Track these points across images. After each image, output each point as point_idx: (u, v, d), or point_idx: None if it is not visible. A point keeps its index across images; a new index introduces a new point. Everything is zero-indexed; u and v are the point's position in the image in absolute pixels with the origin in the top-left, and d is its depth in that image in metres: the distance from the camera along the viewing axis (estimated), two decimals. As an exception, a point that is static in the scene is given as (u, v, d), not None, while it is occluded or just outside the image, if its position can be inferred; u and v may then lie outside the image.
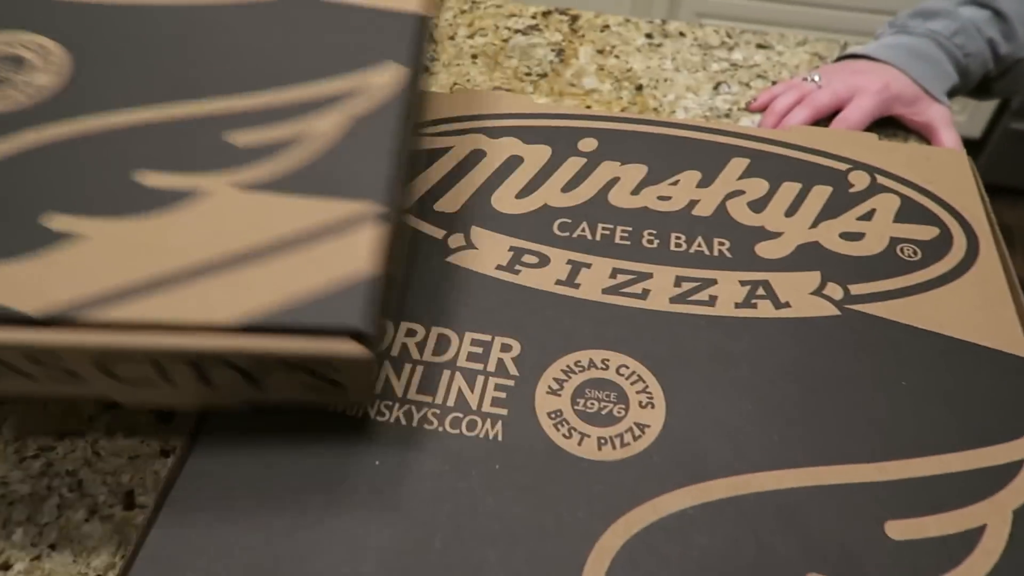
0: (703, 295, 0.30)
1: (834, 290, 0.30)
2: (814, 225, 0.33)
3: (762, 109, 0.50)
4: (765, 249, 0.32)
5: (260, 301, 0.20)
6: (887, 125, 0.51)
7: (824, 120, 0.49)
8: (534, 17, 0.58)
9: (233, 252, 0.21)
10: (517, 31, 0.57)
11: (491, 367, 0.28)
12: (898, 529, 0.24)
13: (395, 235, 0.24)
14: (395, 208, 0.24)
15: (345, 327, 0.20)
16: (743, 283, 0.31)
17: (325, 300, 0.21)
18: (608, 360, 0.28)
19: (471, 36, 0.56)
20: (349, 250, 0.22)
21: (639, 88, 0.52)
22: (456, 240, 0.32)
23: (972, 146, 1.49)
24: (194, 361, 0.21)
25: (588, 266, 0.31)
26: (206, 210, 0.22)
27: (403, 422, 0.26)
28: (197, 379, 0.22)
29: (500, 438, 0.26)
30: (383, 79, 0.26)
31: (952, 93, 0.52)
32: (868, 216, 0.34)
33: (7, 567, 0.29)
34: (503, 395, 0.27)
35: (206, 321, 0.20)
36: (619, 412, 0.26)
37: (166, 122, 0.24)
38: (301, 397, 0.23)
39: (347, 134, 0.25)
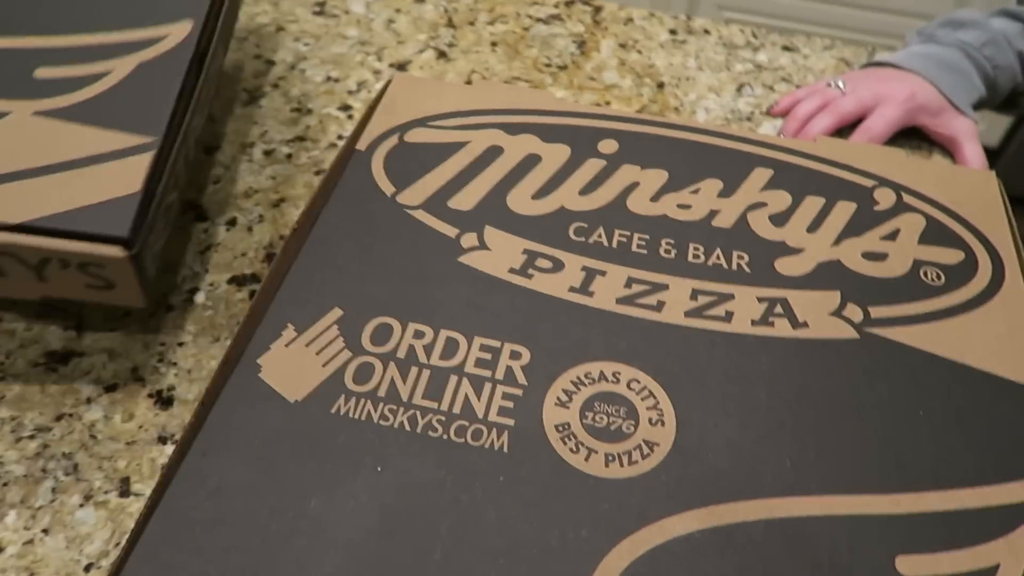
0: (719, 310, 0.29)
1: (854, 312, 0.30)
2: (836, 243, 0.32)
3: (784, 113, 0.49)
4: (785, 265, 0.31)
5: (43, 208, 0.26)
6: (910, 137, 0.50)
7: (847, 128, 0.48)
8: (556, 6, 0.57)
9: (26, 167, 0.27)
10: (539, 20, 0.56)
11: (499, 375, 0.27)
12: (909, 564, 0.23)
13: (168, 163, 0.29)
14: (169, 141, 0.29)
15: (107, 233, 0.26)
16: (761, 300, 0.30)
17: (95, 210, 0.26)
18: (619, 373, 0.27)
19: (491, 23, 0.55)
20: (122, 173, 0.27)
21: (660, 86, 0.51)
22: (469, 240, 0.31)
23: (989, 155, 1.47)
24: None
25: (603, 274, 0.30)
26: (7, 130, 0.28)
27: (407, 428, 0.25)
28: None
29: (506, 449, 0.25)
30: (176, 32, 0.31)
31: (979, 106, 0.51)
32: (892, 236, 0.33)
33: (-1, 551, 0.28)
34: (510, 404, 0.26)
35: None
36: (628, 428, 0.26)
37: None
38: (85, 297, 0.28)
39: (135, 77, 0.30)
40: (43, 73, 0.30)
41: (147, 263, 0.30)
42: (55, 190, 0.26)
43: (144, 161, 0.28)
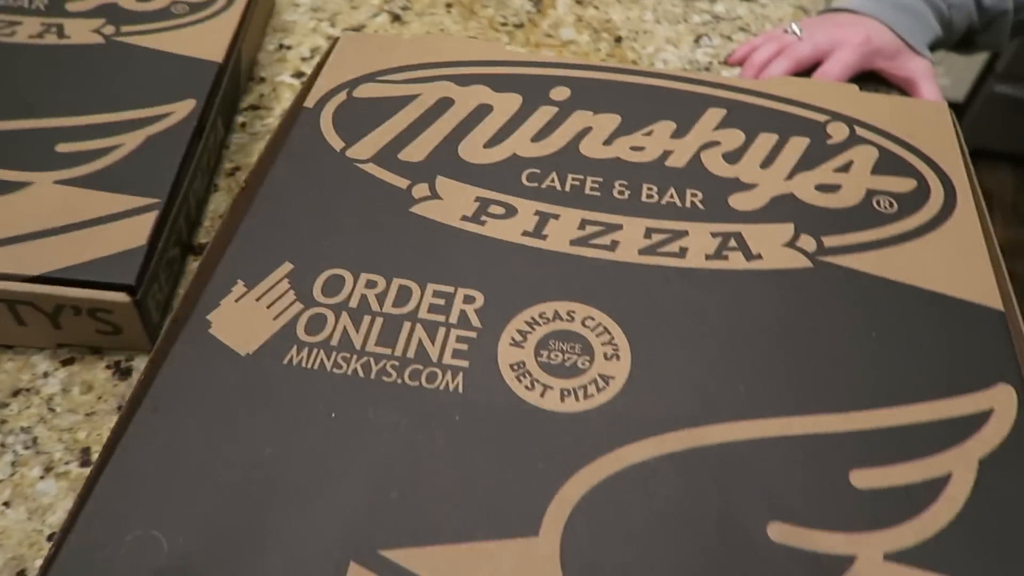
0: (673, 247, 0.29)
1: (807, 242, 0.30)
2: (790, 177, 0.32)
3: (741, 62, 0.49)
4: (739, 201, 0.31)
5: (58, 261, 0.29)
6: (869, 80, 0.50)
7: (804, 74, 0.48)
8: (511, -34, 0.56)
9: (46, 227, 0.30)
10: (493, -20, 0.55)
11: (453, 319, 0.27)
12: (863, 478, 0.23)
13: (170, 221, 0.33)
14: (171, 202, 0.33)
15: (115, 281, 0.29)
16: (715, 235, 0.30)
17: (105, 262, 0.30)
18: (574, 312, 0.27)
19: (445, -15, 0.54)
20: (130, 230, 0.31)
21: (618, 40, 0.51)
22: (420, 190, 0.31)
23: (955, 109, 1.48)
24: (8, 301, 0.29)
25: (556, 217, 0.30)
26: (30, 197, 0.31)
27: (361, 374, 0.25)
28: (14, 319, 0.30)
29: (461, 390, 0.25)
30: (180, 109, 0.36)
31: (935, 46, 0.51)
32: (845, 168, 0.33)
33: (-43, 523, 0.28)
34: (465, 347, 0.26)
35: (16, 272, 0.29)
36: (583, 364, 0.26)
37: (12, 131, 0.34)
38: (96, 344, 0.32)
39: (144, 148, 0.34)
40: (63, 148, 0.34)
41: (151, 309, 0.33)
42: (70, 246, 0.30)
43: (149, 219, 0.32)
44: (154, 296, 0.33)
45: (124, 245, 0.31)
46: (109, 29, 0.41)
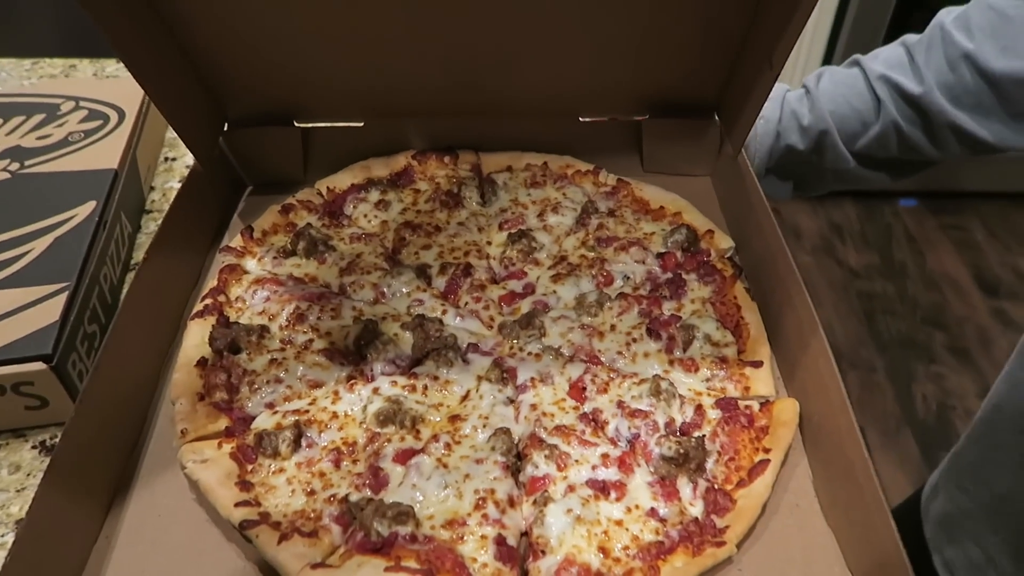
0: None
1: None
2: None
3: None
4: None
5: None
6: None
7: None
8: None
9: None
10: None
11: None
12: None
13: (79, 299, 0.39)
14: (81, 283, 0.39)
15: (32, 354, 0.35)
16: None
17: (24, 341, 0.36)
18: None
19: None
20: (45, 311, 0.37)
21: None
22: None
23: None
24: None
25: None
26: None
27: None
28: None
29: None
30: (82, 211, 0.43)
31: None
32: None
33: None
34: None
35: None
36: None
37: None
38: (28, 423, 0.36)
39: (53, 248, 0.41)
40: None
41: (73, 379, 0.37)
42: None
43: (61, 299, 0.39)
44: (74, 366, 0.37)
45: (40, 324, 0.36)
46: (15, 166, 0.47)
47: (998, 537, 0.45)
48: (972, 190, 1.61)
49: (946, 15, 0.49)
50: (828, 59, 1.42)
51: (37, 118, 0.50)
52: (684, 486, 0.32)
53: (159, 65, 0.39)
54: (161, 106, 0.40)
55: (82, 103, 0.52)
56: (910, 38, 0.51)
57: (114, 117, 0.50)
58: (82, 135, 0.49)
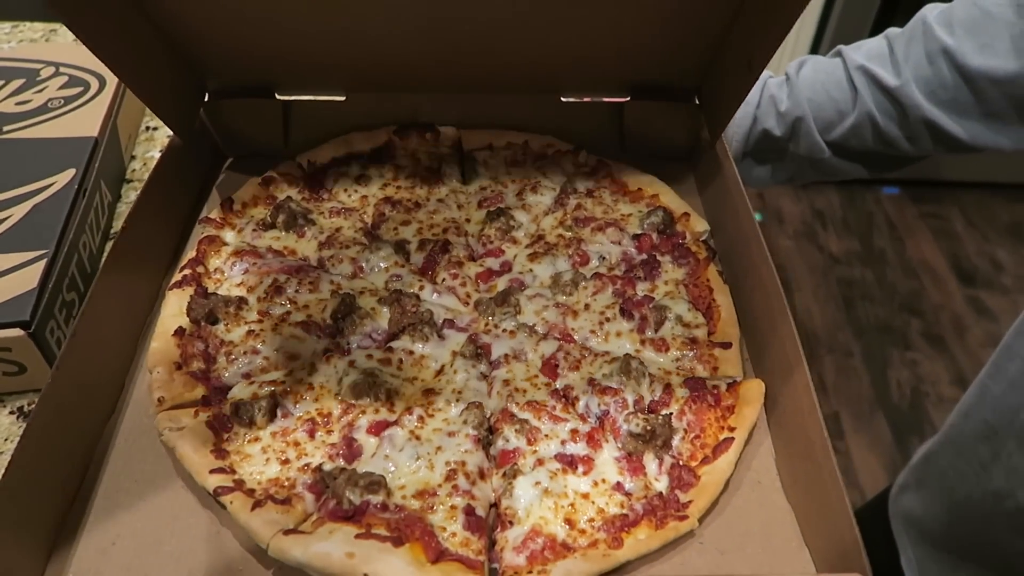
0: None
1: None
2: None
3: None
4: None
5: None
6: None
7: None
8: None
9: None
10: None
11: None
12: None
13: (58, 266, 0.39)
14: (60, 251, 0.39)
15: (10, 320, 0.35)
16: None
17: (3, 307, 0.36)
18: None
19: None
20: (24, 278, 0.37)
21: None
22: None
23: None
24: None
25: None
26: None
27: None
28: None
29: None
30: (61, 178, 0.43)
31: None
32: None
33: None
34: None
35: None
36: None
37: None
38: (5, 388, 0.37)
39: (32, 215, 0.41)
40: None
41: (51, 345, 0.37)
42: None
43: (39, 266, 0.39)
44: (52, 333, 0.37)
45: (18, 291, 0.36)
46: (-8, 132, 0.47)
47: (958, 543, 0.46)
48: (953, 180, 1.63)
49: (931, 10, 0.49)
50: (814, 52, 1.44)
51: (16, 83, 0.50)
52: (650, 462, 0.33)
53: (127, 38, 0.39)
54: (129, 81, 0.40)
55: (62, 69, 0.51)
56: (894, 31, 0.51)
57: (95, 84, 0.50)
58: (62, 101, 0.49)
